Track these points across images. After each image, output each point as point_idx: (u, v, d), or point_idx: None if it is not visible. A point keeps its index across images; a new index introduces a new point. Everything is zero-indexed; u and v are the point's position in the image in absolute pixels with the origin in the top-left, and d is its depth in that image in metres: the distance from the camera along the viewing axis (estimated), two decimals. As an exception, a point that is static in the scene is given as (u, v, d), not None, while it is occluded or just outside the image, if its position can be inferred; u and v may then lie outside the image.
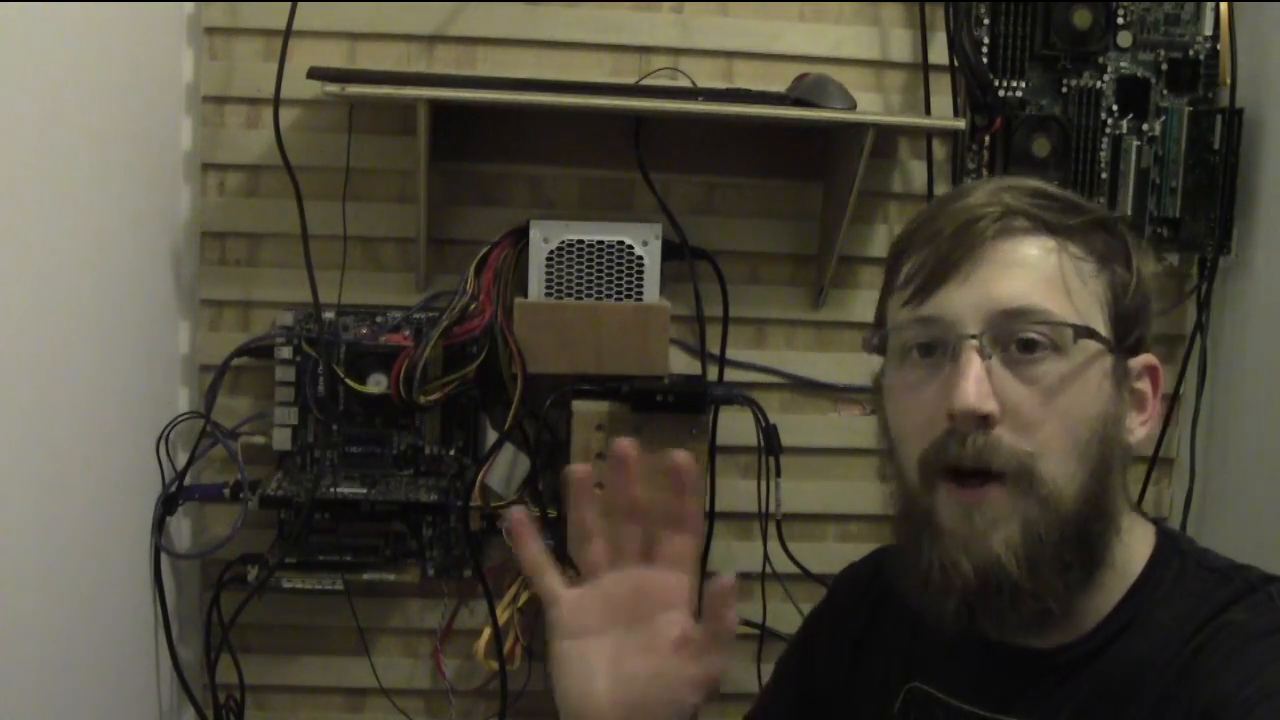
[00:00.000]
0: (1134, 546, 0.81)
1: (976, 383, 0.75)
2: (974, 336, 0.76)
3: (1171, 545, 0.82)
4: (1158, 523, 0.85)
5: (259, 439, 1.37)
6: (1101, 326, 0.78)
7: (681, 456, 0.73)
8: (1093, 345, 0.77)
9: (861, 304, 1.45)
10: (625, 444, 0.74)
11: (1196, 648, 0.74)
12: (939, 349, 0.78)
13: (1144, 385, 0.82)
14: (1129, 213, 1.42)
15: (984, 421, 0.75)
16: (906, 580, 0.81)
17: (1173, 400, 1.46)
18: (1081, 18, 1.40)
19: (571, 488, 0.75)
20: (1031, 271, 0.78)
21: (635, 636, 0.73)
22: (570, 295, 1.34)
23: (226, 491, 1.33)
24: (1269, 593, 0.76)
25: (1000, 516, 0.76)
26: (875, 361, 1.44)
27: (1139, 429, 0.81)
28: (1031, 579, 0.75)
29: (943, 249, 0.79)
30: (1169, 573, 0.80)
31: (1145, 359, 0.82)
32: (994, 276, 0.77)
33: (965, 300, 0.77)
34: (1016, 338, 0.76)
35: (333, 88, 1.20)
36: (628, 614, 0.74)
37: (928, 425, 0.78)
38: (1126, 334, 0.80)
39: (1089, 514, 0.77)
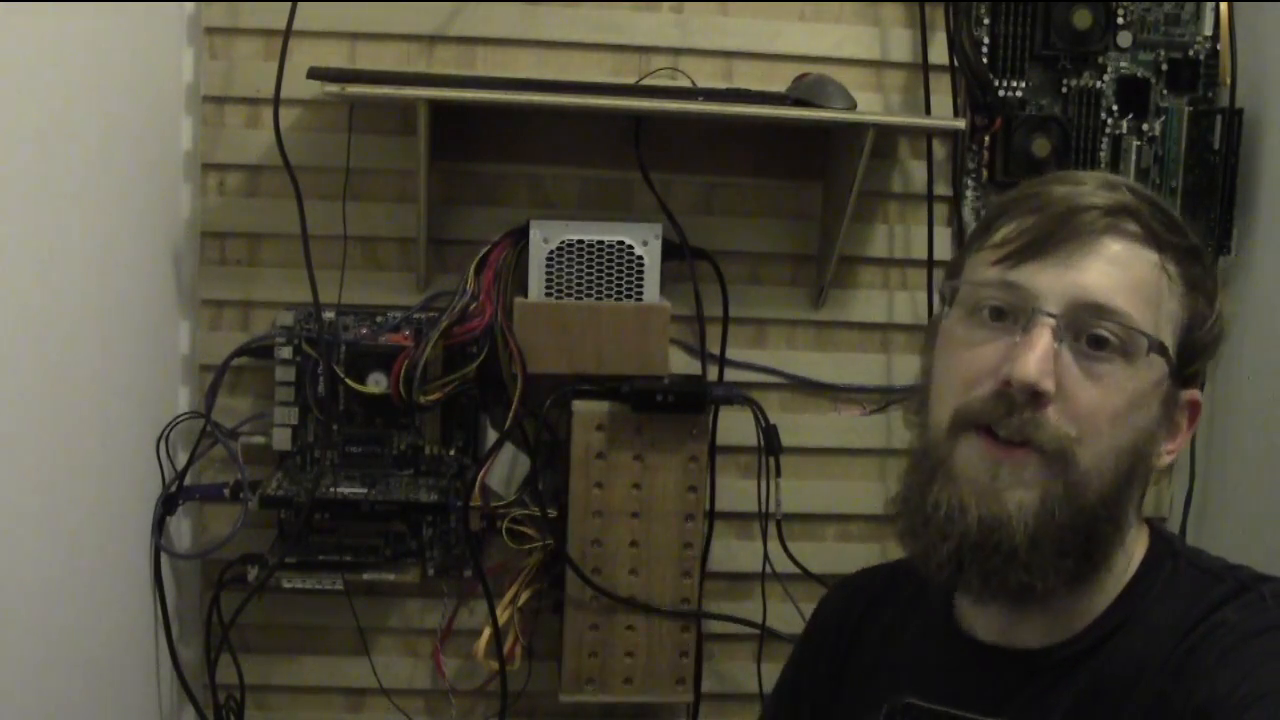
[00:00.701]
0: (1130, 549, 0.82)
1: (1041, 359, 0.75)
2: (1052, 315, 0.76)
3: (1165, 546, 0.83)
4: (1152, 524, 0.85)
5: (259, 439, 1.37)
6: (1171, 350, 0.79)
7: None
8: (1160, 362, 0.78)
9: (861, 304, 1.45)
10: None
11: (1189, 648, 0.75)
12: (1011, 316, 0.79)
13: (1182, 418, 0.83)
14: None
15: (1036, 398, 0.76)
16: (906, 522, 0.82)
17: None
18: (1081, 18, 1.40)
19: None
20: (1126, 274, 0.78)
21: None
22: (570, 295, 1.34)
23: (226, 491, 1.33)
24: (1261, 592, 0.77)
25: (1025, 480, 0.76)
26: (875, 361, 1.46)
27: (1166, 456, 0.82)
28: (1030, 550, 0.76)
29: (1049, 225, 0.79)
30: (1162, 574, 0.81)
31: (1193, 394, 0.83)
32: (1089, 266, 0.78)
33: (1055, 280, 0.78)
34: (1091, 332, 0.77)
35: (333, 88, 1.20)
36: None
37: (974, 382, 0.78)
38: (1188, 364, 0.81)
39: (1103, 515, 0.77)
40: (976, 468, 0.77)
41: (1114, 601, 0.80)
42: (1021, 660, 0.82)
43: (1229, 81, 1.40)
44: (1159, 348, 0.78)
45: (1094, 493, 0.77)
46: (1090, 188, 0.81)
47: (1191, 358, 0.81)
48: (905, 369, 1.46)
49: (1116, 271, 0.78)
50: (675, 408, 1.34)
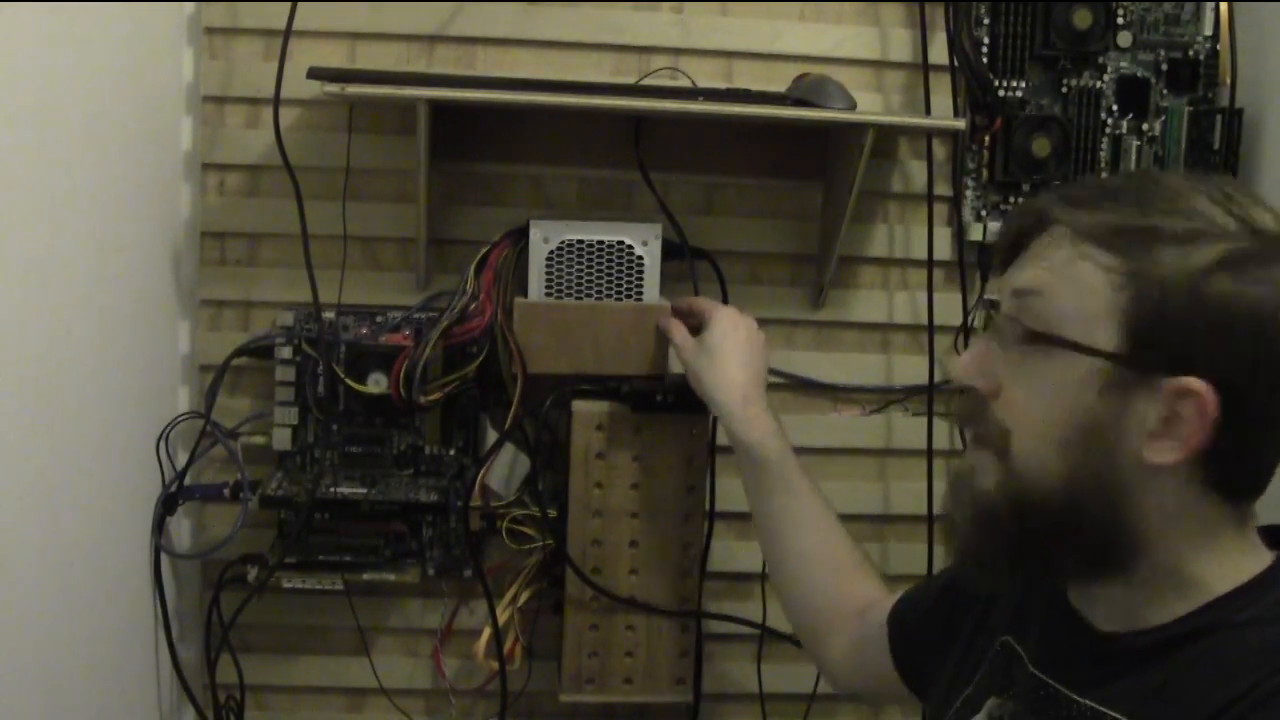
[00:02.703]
0: (1224, 565, 0.79)
1: (969, 357, 0.84)
2: (1000, 316, 0.83)
3: None
4: None
5: (259, 439, 1.37)
6: (1107, 337, 0.76)
7: None
8: (1068, 351, 0.77)
9: (861, 304, 1.45)
10: None
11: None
12: None
13: (1180, 408, 0.75)
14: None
15: (973, 393, 0.83)
16: None
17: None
18: (1081, 18, 1.40)
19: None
20: (1048, 268, 0.80)
21: None
22: (570, 295, 1.34)
23: (226, 491, 1.33)
24: None
25: (971, 472, 0.83)
26: (875, 361, 1.47)
27: (1168, 454, 0.75)
28: (978, 541, 0.83)
29: (1001, 239, 0.86)
30: (1270, 595, 0.78)
31: (1180, 383, 0.74)
32: (1024, 267, 0.82)
33: (1002, 286, 0.84)
34: (1017, 329, 0.81)
35: (333, 88, 1.20)
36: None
37: None
38: (1144, 350, 0.76)
39: (1072, 510, 0.78)
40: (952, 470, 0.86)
41: (1198, 608, 0.78)
42: (1092, 638, 0.83)
43: (1229, 81, 1.40)
44: (1044, 339, 0.78)
45: (1045, 487, 0.79)
46: (1045, 194, 0.85)
47: (1150, 343, 0.75)
48: (905, 369, 1.46)
49: (1039, 269, 0.80)
50: (675, 408, 1.34)
